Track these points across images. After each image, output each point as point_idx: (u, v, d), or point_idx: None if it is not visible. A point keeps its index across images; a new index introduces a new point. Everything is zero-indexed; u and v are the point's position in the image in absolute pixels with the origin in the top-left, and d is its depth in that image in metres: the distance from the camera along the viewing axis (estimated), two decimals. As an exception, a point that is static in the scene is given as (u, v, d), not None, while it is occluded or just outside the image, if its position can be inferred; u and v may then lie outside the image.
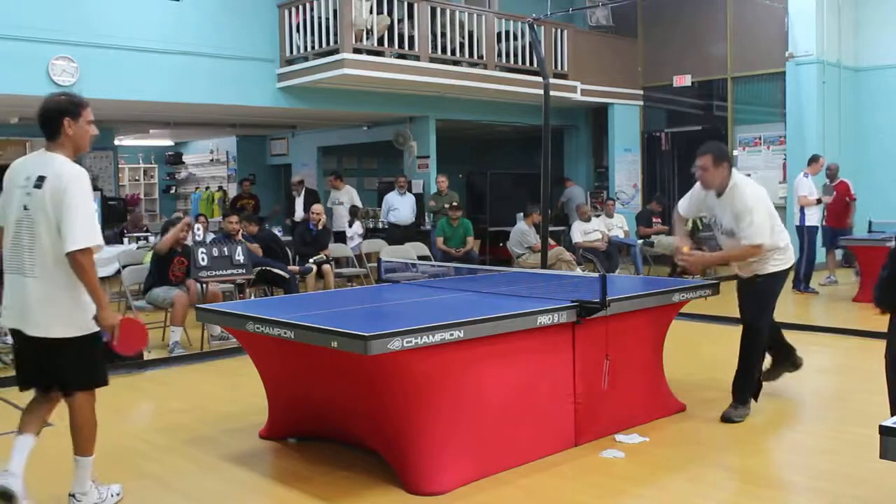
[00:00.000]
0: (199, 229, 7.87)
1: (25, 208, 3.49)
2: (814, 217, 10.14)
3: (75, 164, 3.57)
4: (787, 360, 5.52)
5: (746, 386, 4.98)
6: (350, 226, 12.22)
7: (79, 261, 3.39)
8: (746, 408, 4.98)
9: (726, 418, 4.89)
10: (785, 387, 5.58)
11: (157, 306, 7.64)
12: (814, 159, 10.36)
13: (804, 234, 10.03)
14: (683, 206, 5.40)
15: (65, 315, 3.50)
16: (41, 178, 3.47)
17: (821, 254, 10.52)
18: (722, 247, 5.20)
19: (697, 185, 5.18)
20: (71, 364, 3.57)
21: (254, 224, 9.52)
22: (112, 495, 3.85)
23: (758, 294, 4.98)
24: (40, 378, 3.69)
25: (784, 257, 5.02)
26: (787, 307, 9.34)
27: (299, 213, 12.36)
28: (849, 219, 10.81)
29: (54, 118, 3.54)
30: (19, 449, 3.63)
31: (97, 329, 3.56)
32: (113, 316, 3.55)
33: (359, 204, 12.82)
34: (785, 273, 5.06)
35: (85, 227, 3.40)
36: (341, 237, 11.82)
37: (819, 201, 10.18)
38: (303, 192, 12.86)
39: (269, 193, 16.47)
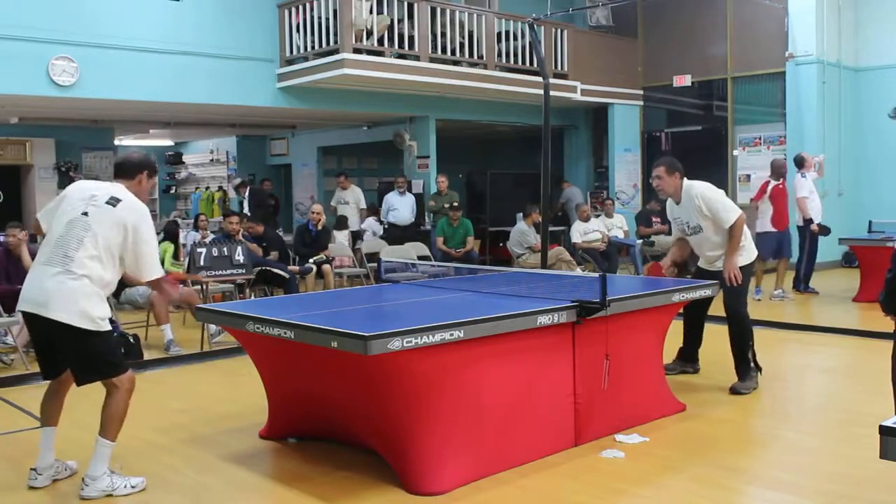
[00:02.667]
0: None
1: (85, 214, 3.86)
2: (815, 217, 10.05)
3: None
4: (689, 362, 6.03)
5: (745, 365, 5.52)
6: (362, 221, 12.37)
7: (159, 285, 4.09)
8: (752, 381, 5.50)
9: (734, 390, 5.44)
10: (786, 387, 5.59)
11: (136, 306, 7.62)
12: (800, 159, 10.27)
13: (805, 234, 9.99)
14: (677, 234, 5.91)
15: (86, 308, 3.76)
16: (115, 199, 3.92)
17: (820, 254, 10.39)
18: (693, 246, 5.75)
19: (668, 211, 5.87)
20: (87, 356, 3.85)
21: (259, 225, 9.58)
22: (128, 486, 3.93)
23: (733, 285, 5.49)
24: (58, 364, 3.98)
25: (747, 254, 5.59)
26: (787, 307, 9.33)
27: None
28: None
29: (137, 167, 4.08)
30: (46, 444, 4.05)
31: (109, 329, 3.90)
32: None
33: (363, 204, 12.87)
34: (749, 266, 5.63)
35: (156, 259, 4.02)
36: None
37: (810, 221, 9.85)
38: (246, 195, 12.93)
39: (270, 193, 16.47)
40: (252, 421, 4.97)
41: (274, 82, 11.22)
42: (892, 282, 3.39)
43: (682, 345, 6.03)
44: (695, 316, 5.88)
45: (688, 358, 6.03)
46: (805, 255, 10.05)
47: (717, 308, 5.87)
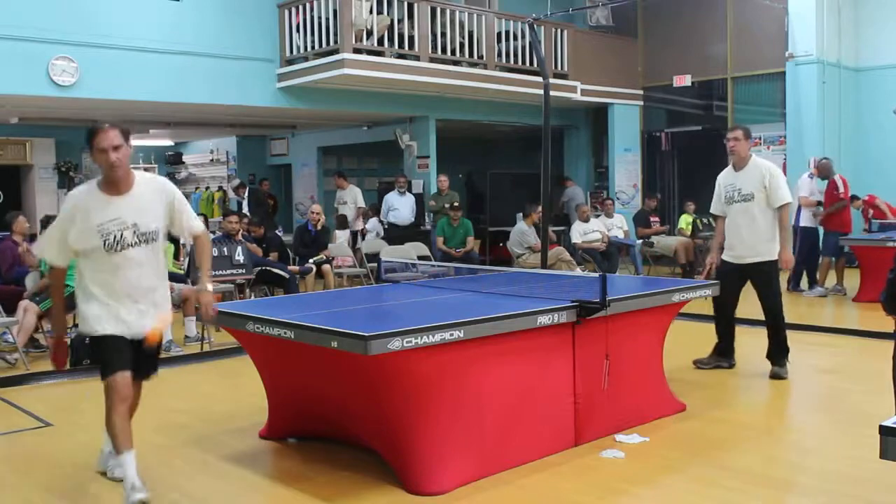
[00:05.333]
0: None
1: None
2: (810, 218, 10.11)
3: (77, 187, 3.94)
4: (724, 356, 6.19)
5: (782, 352, 5.85)
6: (366, 221, 12.35)
7: None
8: (785, 368, 5.81)
9: (777, 375, 5.76)
10: (786, 387, 5.59)
11: None
12: (820, 165, 10.30)
13: (796, 234, 10.03)
14: (717, 207, 6.09)
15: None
16: None
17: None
18: (729, 224, 5.92)
19: (719, 179, 6.06)
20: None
21: (260, 227, 9.60)
22: (110, 468, 4.04)
23: (770, 278, 5.83)
24: None
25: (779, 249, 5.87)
26: (786, 307, 9.31)
27: None
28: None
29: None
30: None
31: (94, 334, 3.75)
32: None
33: (362, 204, 12.87)
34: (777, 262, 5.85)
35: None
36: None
37: (819, 203, 10.05)
38: (245, 195, 13.03)
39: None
40: (252, 421, 4.97)
41: (274, 82, 11.22)
42: (894, 282, 3.38)
43: (717, 341, 6.17)
44: (725, 312, 6.04)
45: (724, 353, 6.15)
46: (797, 256, 10.10)
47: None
